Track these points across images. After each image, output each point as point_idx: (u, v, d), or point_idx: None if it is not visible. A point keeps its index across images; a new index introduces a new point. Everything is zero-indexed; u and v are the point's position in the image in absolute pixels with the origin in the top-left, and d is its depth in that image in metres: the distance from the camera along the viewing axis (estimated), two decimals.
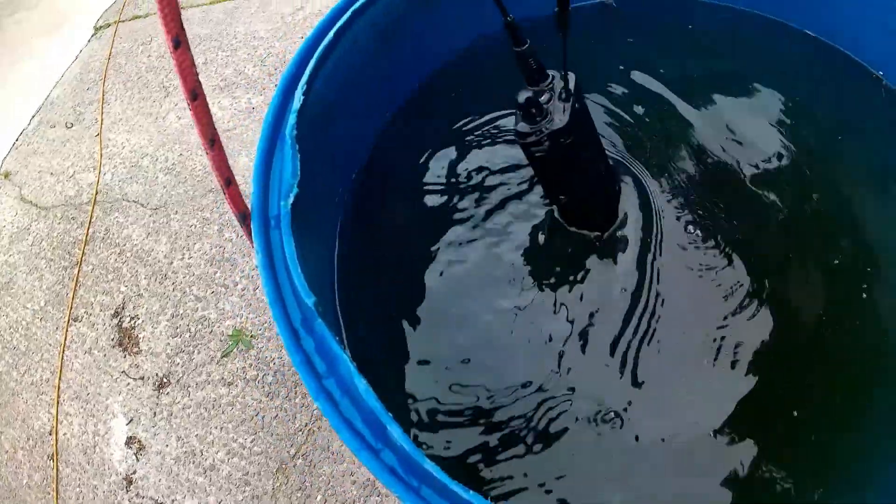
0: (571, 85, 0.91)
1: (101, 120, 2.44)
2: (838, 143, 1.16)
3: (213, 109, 2.14)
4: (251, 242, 0.78)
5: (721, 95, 1.23)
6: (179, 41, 0.62)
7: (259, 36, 2.32)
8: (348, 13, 0.91)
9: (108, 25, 2.83)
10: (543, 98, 0.90)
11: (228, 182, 0.76)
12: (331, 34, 0.88)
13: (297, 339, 0.69)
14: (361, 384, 0.62)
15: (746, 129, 1.19)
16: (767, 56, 1.29)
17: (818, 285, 1.01)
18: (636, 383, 0.94)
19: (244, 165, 1.96)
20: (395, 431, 0.60)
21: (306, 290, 0.68)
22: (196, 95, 0.67)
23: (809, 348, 0.95)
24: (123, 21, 2.83)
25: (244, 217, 0.79)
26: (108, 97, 2.52)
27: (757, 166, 1.14)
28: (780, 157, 1.15)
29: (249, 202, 0.81)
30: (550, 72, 0.92)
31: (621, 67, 1.26)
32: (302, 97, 0.81)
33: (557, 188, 1.05)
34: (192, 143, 2.10)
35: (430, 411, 0.91)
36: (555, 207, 1.13)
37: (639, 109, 1.22)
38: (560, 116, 0.89)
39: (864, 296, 0.99)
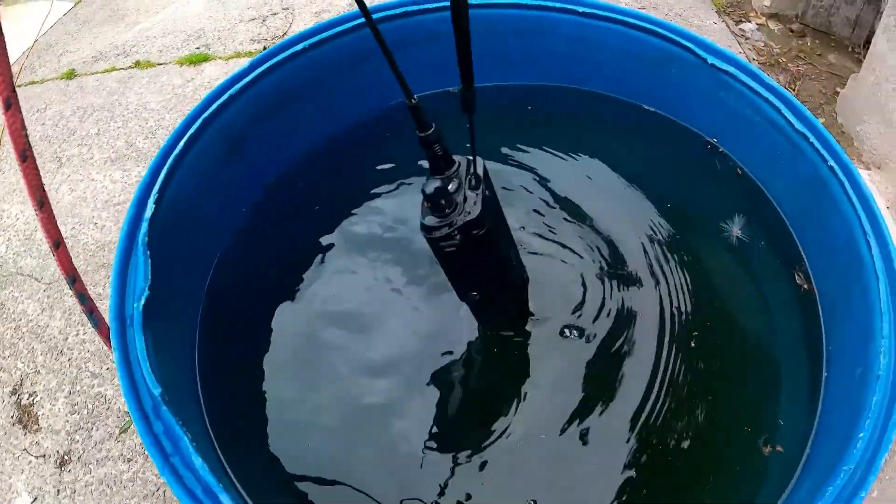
0: (480, 170, 0.88)
1: None
2: (675, 203, 1.38)
3: (105, 182, 2.25)
4: (82, 307, 0.87)
5: (559, 166, 1.43)
6: (10, 103, 0.70)
7: (150, 107, 2.45)
8: (198, 122, 1.07)
9: None
10: (451, 187, 0.85)
11: (57, 244, 0.83)
12: (181, 144, 1.03)
13: (148, 423, 0.83)
14: (198, 461, 0.77)
15: (585, 196, 1.39)
16: (607, 129, 1.51)
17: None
18: None
19: None
20: (225, 499, 0.75)
21: (153, 382, 0.82)
22: (26, 157, 0.74)
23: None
24: (20, 86, 2.87)
25: (73, 280, 0.87)
26: (3, 165, 2.57)
27: (595, 234, 1.33)
28: (619, 221, 1.36)
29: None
30: (457, 157, 0.88)
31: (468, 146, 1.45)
32: (153, 206, 0.95)
33: (469, 284, 1.01)
34: (85, 216, 2.19)
35: (285, 477, 1.05)
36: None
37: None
38: (471, 206, 0.85)
39: (693, 344, 1.20)
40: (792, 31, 2.71)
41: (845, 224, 1.13)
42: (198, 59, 2.62)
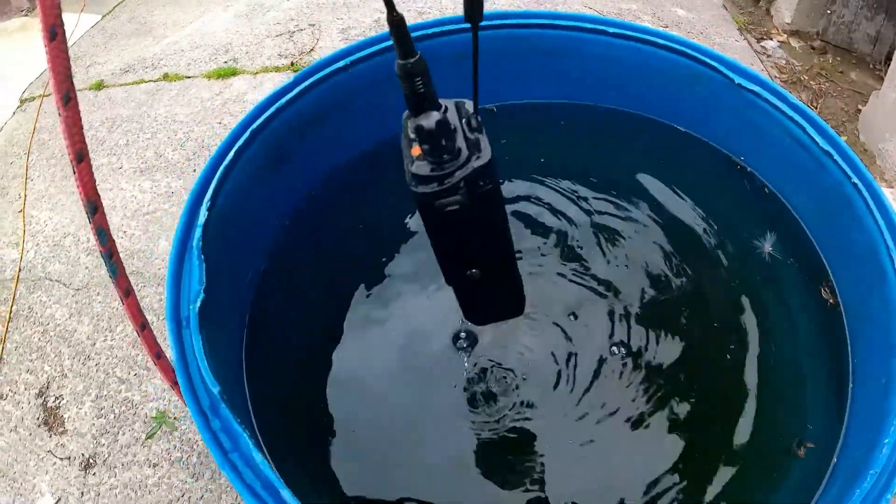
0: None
1: (25, 196, 2.57)
2: (706, 221, 1.44)
3: (134, 192, 2.32)
4: (100, 248, 0.81)
5: (589, 181, 1.50)
6: (56, 32, 0.61)
7: (179, 119, 2.52)
8: (247, 133, 1.13)
9: (34, 98, 2.95)
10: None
11: (80, 157, 0.72)
12: (231, 153, 1.10)
13: (207, 420, 0.89)
14: (258, 457, 0.82)
15: (615, 214, 1.45)
16: (636, 146, 1.57)
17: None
18: None
19: (164, 249, 2.13)
20: (286, 495, 0.80)
21: (212, 381, 0.88)
22: (68, 100, 0.67)
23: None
24: (48, 95, 2.94)
25: (94, 209, 0.78)
26: (32, 173, 2.64)
27: (630, 247, 1.40)
28: (648, 235, 1.42)
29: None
30: (444, 101, 0.68)
31: (506, 158, 1.52)
32: (206, 213, 1.02)
33: (469, 258, 0.79)
34: (114, 225, 2.26)
35: (326, 475, 1.11)
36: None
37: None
38: (478, 150, 0.65)
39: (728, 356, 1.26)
40: (813, 48, 2.76)
41: (869, 240, 1.18)
42: (226, 73, 2.70)
